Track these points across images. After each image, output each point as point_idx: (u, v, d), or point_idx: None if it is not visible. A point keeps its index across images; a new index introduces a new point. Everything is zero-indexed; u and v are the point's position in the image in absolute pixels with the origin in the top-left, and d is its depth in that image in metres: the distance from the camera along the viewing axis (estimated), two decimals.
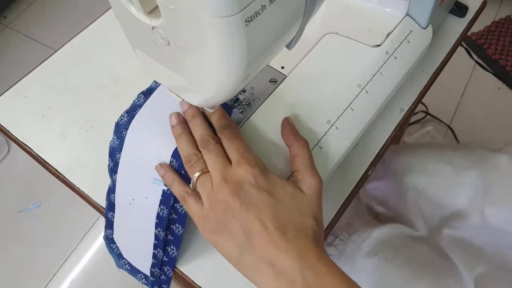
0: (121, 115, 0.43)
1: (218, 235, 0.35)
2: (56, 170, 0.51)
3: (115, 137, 0.42)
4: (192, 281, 0.44)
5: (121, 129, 0.42)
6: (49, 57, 0.60)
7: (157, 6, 0.29)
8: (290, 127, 0.40)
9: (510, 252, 0.56)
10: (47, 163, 0.51)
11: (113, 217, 0.44)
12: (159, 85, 0.43)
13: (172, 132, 0.40)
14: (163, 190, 0.40)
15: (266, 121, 0.43)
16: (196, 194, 0.37)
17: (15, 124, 0.55)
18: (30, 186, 1.29)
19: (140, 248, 0.43)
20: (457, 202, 0.60)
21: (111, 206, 0.44)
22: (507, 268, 0.55)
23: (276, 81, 0.46)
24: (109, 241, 0.45)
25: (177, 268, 0.44)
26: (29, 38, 1.67)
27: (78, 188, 0.49)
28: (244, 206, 0.34)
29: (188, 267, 0.44)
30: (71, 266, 1.18)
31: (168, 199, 0.40)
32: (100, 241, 1.21)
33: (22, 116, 0.56)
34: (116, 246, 0.45)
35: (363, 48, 0.48)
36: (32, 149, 0.53)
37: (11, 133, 0.54)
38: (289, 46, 0.35)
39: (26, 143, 0.53)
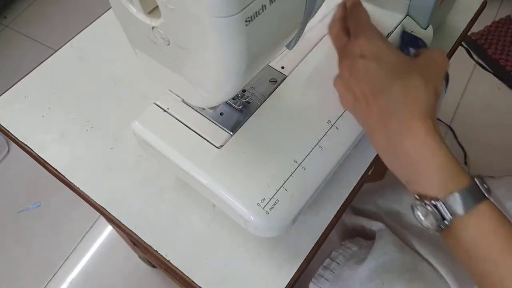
0: None
1: (355, 106, 0.39)
2: (56, 170, 0.51)
3: None
4: (192, 281, 0.44)
5: None
6: (49, 57, 0.60)
7: (157, 6, 0.29)
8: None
9: None
10: (47, 163, 0.51)
11: None
12: None
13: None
14: None
15: (266, 122, 0.43)
16: None
17: (15, 124, 0.55)
18: (30, 186, 1.29)
19: None
20: None
21: None
22: None
23: (276, 81, 0.46)
24: None
25: (177, 268, 0.44)
26: (29, 38, 1.66)
27: (78, 188, 0.49)
28: (353, 77, 0.38)
29: (188, 267, 0.44)
30: (71, 266, 1.18)
31: None
32: (100, 241, 1.21)
33: (22, 116, 0.56)
34: None
35: None
36: (32, 149, 0.53)
37: (11, 133, 0.54)
38: (289, 46, 0.35)
39: (26, 143, 0.53)
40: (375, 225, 0.60)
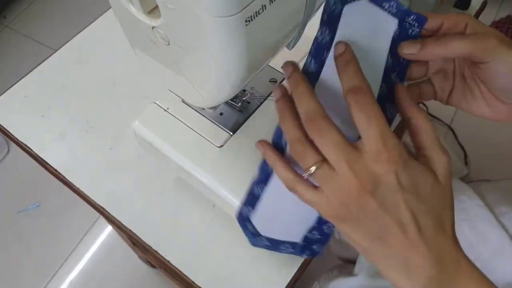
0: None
1: (346, 223, 0.31)
2: (56, 170, 0.51)
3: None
4: (192, 281, 0.44)
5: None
6: (49, 57, 0.60)
7: (157, 6, 0.29)
8: (406, 95, 0.33)
9: None
10: (47, 163, 0.51)
11: (262, 190, 0.38)
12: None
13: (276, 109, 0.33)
14: None
15: (266, 121, 0.43)
16: (309, 181, 0.32)
17: (15, 124, 0.55)
18: (29, 186, 1.29)
19: (294, 217, 0.39)
20: None
21: (264, 178, 0.38)
22: None
23: (276, 81, 0.46)
24: (245, 219, 0.40)
25: (176, 268, 0.44)
26: (29, 38, 1.66)
27: (78, 188, 0.49)
28: (382, 208, 0.29)
29: (188, 267, 0.44)
30: (71, 266, 1.17)
31: None
32: (100, 241, 1.21)
33: (22, 116, 0.56)
34: (252, 225, 0.40)
35: None
36: (31, 149, 0.52)
37: (10, 133, 0.54)
38: (289, 46, 0.35)
39: (25, 143, 0.53)
40: None
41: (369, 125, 0.29)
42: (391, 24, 0.34)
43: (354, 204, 0.30)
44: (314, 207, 0.32)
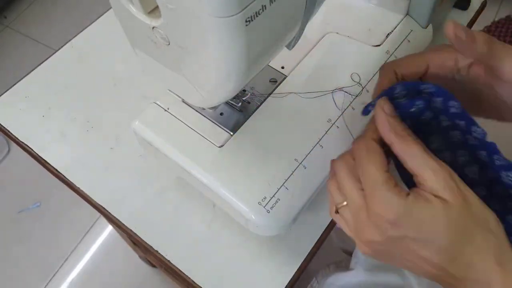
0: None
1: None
2: (56, 170, 0.51)
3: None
4: (192, 281, 0.44)
5: None
6: (49, 57, 0.60)
7: (157, 6, 0.29)
8: (385, 117, 0.31)
9: None
10: (47, 163, 0.51)
11: None
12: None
13: None
14: None
15: (266, 121, 0.43)
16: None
17: (15, 124, 0.55)
18: (30, 186, 1.29)
19: None
20: None
21: None
22: None
23: (276, 81, 0.46)
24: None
25: (177, 268, 0.44)
26: (29, 38, 1.67)
27: (78, 188, 0.50)
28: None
29: (188, 267, 0.44)
30: (71, 266, 1.18)
31: None
32: (100, 241, 1.21)
33: (22, 116, 0.56)
34: None
35: (363, 48, 0.48)
36: (32, 149, 0.53)
37: (11, 133, 0.54)
38: (289, 46, 0.35)
39: (26, 143, 0.53)
40: None
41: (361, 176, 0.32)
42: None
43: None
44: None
